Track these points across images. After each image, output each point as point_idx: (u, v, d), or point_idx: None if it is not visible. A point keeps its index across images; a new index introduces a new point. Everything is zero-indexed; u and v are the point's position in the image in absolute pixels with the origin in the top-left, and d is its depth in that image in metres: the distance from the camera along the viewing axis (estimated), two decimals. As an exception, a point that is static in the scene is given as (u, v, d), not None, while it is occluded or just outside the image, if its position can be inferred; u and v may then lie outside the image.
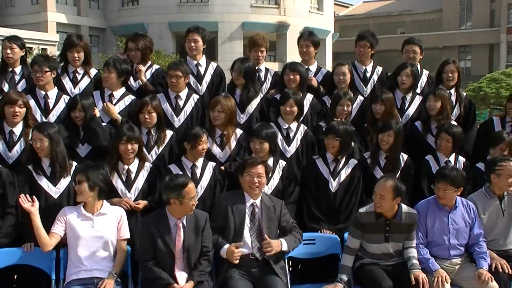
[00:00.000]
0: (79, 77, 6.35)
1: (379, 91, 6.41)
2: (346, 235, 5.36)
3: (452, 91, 6.75)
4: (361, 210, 5.22)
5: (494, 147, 6.02)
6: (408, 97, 6.69)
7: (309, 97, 6.54)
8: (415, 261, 5.12)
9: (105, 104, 5.99)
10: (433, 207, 5.40)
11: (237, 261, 4.91)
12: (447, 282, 5.04)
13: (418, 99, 6.73)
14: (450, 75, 6.74)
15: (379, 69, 7.08)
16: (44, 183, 5.24)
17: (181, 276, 4.79)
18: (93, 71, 6.46)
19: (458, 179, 5.27)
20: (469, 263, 5.36)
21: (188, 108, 6.21)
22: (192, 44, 6.58)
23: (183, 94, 6.21)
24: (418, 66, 7.12)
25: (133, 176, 5.43)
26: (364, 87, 6.97)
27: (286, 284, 5.05)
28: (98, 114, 5.76)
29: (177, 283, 4.71)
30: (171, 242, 4.79)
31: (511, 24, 55.61)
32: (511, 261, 5.36)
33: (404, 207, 5.20)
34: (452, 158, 6.06)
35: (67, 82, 6.30)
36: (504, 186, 5.49)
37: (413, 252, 5.20)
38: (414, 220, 5.22)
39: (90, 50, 6.52)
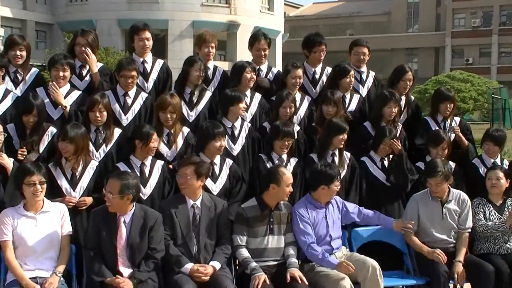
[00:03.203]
0: (20, 77, 6.20)
1: (329, 92, 6.42)
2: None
3: (403, 96, 6.86)
4: (244, 205, 5.32)
5: (436, 147, 6.24)
6: (348, 95, 6.76)
7: (258, 96, 6.58)
8: (293, 260, 5.22)
9: (52, 85, 5.89)
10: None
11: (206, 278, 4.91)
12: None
13: (356, 97, 6.82)
14: (408, 83, 6.85)
15: (328, 69, 7.07)
16: None
17: (125, 272, 4.79)
18: (33, 70, 6.34)
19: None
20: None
21: (137, 107, 6.16)
22: (146, 43, 6.50)
23: (132, 92, 6.15)
24: (365, 68, 7.20)
25: (78, 175, 5.36)
26: (313, 89, 6.98)
27: (232, 279, 5.10)
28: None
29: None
30: (114, 236, 4.81)
31: (455, 29, 57.08)
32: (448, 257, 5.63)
33: None
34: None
35: (7, 83, 6.14)
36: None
37: (292, 251, 5.29)
38: (290, 210, 5.38)
39: (30, 51, 6.35)
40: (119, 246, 4.83)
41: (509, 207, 5.96)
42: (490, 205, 5.97)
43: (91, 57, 6.27)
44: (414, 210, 5.78)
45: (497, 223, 5.85)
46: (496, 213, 5.94)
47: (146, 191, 5.48)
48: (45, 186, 4.89)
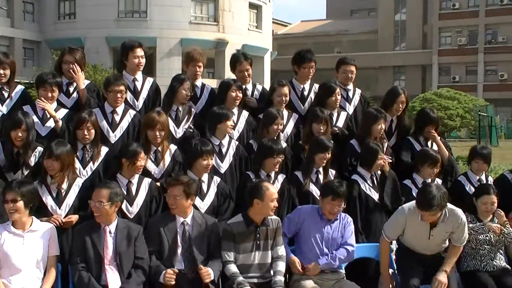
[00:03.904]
0: (6, 94, 6.16)
1: (318, 110, 6.43)
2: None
3: (394, 117, 6.88)
4: (230, 221, 5.31)
5: (433, 167, 6.24)
6: (335, 113, 6.78)
7: (245, 113, 6.60)
8: (278, 278, 5.18)
9: (40, 100, 5.87)
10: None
11: (172, 282, 4.87)
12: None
13: (343, 115, 6.85)
14: (400, 105, 6.83)
15: (317, 86, 7.07)
16: None
17: (113, 282, 4.81)
18: (19, 88, 6.29)
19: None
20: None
21: (125, 124, 6.15)
22: (141, 60, 6.52)
23: (120, 109, 6.15)
24: (351, 85, 7.20)
25: (63, 192, 5.33)
26: (302, 105, 6.99)
27: None
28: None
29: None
30: (100, 246, 4.86)
31: (442, 47, 57.60)
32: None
33: None
34: (379, 172, 6.27)
35: None
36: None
37: (280, 266, 5.26)
38: (278, 225, 5.35)
39: (15, 68, 6.30)
40: (107, 256, 4.85)
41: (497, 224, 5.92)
42: (478, 223, 5.94)
43: (78, 74, 6.27)
44: (401, 223, 5.58)
45: (477, 225, 5.82)
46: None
47: (133, 210, 5.46)
48: (19, 204, 4.77)
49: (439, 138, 6.69)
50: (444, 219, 5.46)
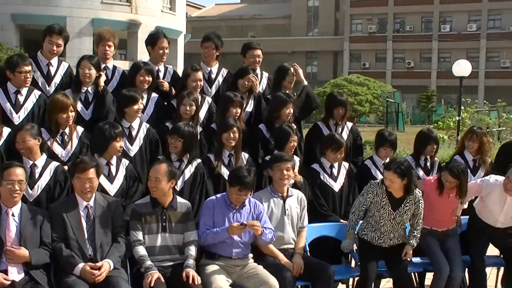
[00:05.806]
0: None
1: (232, 94, 6.46)
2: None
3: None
4: (138, 201, 5.34)
5: (336, 152, 6.33)
6: (245, 96, 6.81)
7: (154, 96, 6.53)
8: (190, 262, 5.16)
9: None
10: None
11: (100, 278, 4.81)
12: None
13: (252, 100, 6.90)
14: (292, 77, 6.95)
15: (224, 71, 7.14)
16: None
17: (14, 267, 4.72)
18: None
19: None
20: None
21: (29, 105, 5.92)
22: (55, 48, 6.28)
23: (24, 89, 5.92)
24: (259, 69, 7.26)
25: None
26: (209, 88, 7.02)
27: (127, 279, 5.03)
28: None
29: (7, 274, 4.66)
30: (1, 229, 4.75)
31: (353, 34, 59.05)
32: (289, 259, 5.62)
33: (178, 198, 5.38)
34: (296, 159, 6.32)
35: None
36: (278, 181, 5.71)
37: (192, 250, 5.25)
38: (189, 209, 5.37)
39: None
40: (9, 238, 4.74)
41: (407, 205, 5.88)
42: (387, 197, 5.87)
43: None
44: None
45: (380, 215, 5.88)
46: (390, 207, 5.85)
47: (33, 193, 5.30)
48: None
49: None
50: (292, 192, 5.82)
